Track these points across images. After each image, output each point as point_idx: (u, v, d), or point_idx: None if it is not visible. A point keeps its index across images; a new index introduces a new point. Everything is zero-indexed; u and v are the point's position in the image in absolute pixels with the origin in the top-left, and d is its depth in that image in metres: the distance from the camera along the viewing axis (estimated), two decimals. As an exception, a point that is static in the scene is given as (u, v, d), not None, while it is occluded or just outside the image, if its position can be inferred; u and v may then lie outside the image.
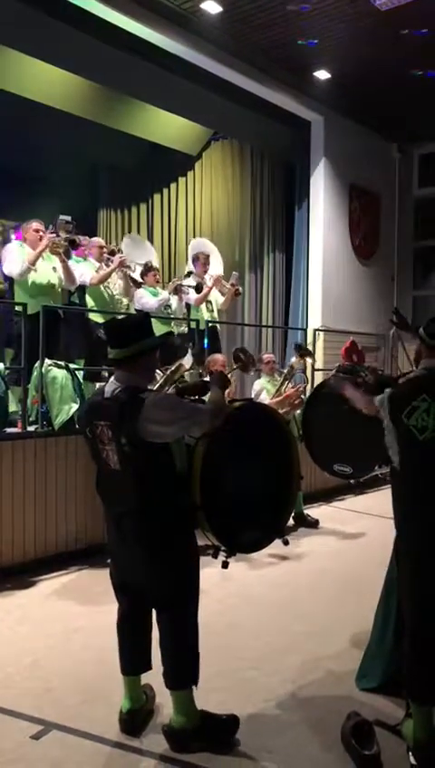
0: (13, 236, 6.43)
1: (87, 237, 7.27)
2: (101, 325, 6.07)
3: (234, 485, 2.92)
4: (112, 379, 2.82)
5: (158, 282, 7.58)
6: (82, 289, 6.95)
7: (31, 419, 5.44)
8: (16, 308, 5.77)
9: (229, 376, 3.17)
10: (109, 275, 6.86)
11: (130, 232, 11.23)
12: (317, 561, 5.40)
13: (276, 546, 3.09)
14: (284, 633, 3.95)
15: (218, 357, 6.21)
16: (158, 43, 7.45)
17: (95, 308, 6.78)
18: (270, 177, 10.49)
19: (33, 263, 5.83)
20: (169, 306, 7.42)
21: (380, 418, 2.80)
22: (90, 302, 6.89)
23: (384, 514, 4.05)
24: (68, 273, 6.16)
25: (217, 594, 4.37)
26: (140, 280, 7.29)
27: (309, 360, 6.95)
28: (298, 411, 5.89)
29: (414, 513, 2.74)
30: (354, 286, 10.39)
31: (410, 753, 2.68)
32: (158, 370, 3.92)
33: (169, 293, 7.32)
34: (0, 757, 2.71)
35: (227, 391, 3.05)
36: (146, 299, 7.16)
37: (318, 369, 8.35)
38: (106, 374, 5.54)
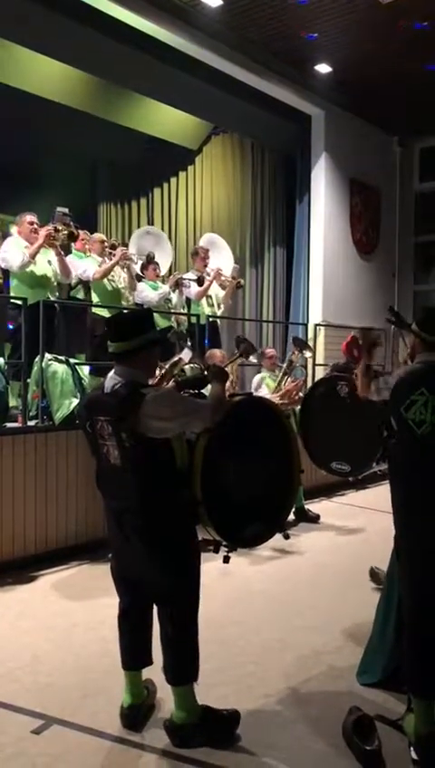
0: (13, 230, 6.45)
1: (86, 231, 7.26)
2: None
3: (235, 480, 2.92)
4: (112, 373, 2.81)
5: (158, 276, 7.57)
6: (87, 284, 6.95)
7: (31, 414, 5.44)
8: (11, 301, 5.80)
9: (232, 368, 3.16)
10: (112, 269, 6.85)
11: (130, 226, 11.22)
12: (318, 556, 5.40)
13: (277, 541, 3.08)
14: (285, 628, 3.95)
15: (217, 352, 6.20)
16: (158, 36, 7.42)
17: (100, 303, 6.78)
18: (270, 172, 10.46)
19: (34, 256, 5.86)
20: (170, 300, 7.40)
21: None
22: (95, 297, 6.89)
23: (385, 509, 4.03)
24: (63, 265, 6.18)
25: (217, 589, 4.36)
26: (141, 274, 7.29)
27: (308, 354, 6.92)
28: (298, 406, 5.88)
29: (413, 509, 2.73)
30: (355, 281, 10.37)
31: (412, 748, 2.68)
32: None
33: (170, 287, 7.31)
34: (0, 752, 2.71)
35: (227, 384, 3.04)
36: (146, 293, 7.17)
37: (319, 364, 8.34)
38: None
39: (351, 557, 5.33)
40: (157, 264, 7.60)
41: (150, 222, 11.41)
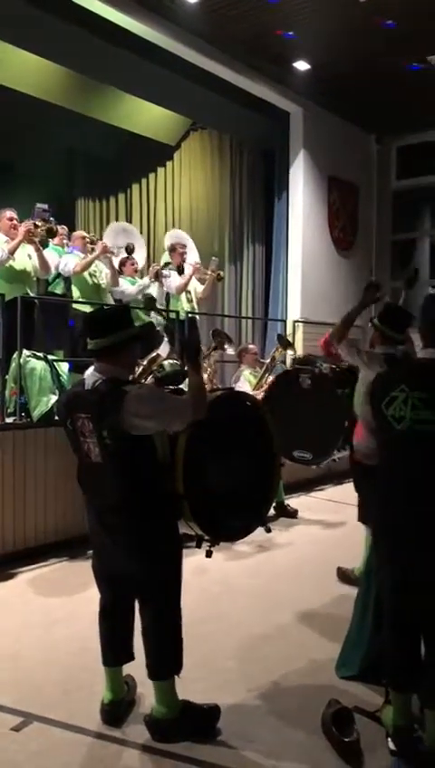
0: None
1: (64, 227, 7.23)
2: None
3: (216, 475, 2.93)
4: (93, 370, 2.80)
5: (136, 271, 7.56)
6: (67, 279, 6.93)
7: (9, 411, 5.40)
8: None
9: (210, 361, 3.15)
10: (92, 262, 6.84)
11: (108, 222, 11.15)
12: (298, 551, 5.44)
13: (257, 536, 3.10)
14: (265, 622, 3.97)
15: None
16: (136, 31, 7.37)
17: (81, 298, 6.76)
18: (249, 168, 10.46)
19: (13, 252, 5.83)
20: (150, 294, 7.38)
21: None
22: (75, 292, 6.87)
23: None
24: (42, 261, 6.18)
25: (198, 584, 4.37)
26: (119, 270, 7.27)
27: (290, 352, 6.98)
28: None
29: (390, 501, 2.75)
30: (333, 278, 10.41)
31: (389, 739, 2.72)
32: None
33: (151, 279, 7.30)
34: (-19, 750, 2.70)
35: (206, 376, 3.05)
36: (124, 286, 7.17)
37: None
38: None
39: (330, 551, 5.36)
40: (134, 259, 7.59)
41: (129, 218, 11.37)
